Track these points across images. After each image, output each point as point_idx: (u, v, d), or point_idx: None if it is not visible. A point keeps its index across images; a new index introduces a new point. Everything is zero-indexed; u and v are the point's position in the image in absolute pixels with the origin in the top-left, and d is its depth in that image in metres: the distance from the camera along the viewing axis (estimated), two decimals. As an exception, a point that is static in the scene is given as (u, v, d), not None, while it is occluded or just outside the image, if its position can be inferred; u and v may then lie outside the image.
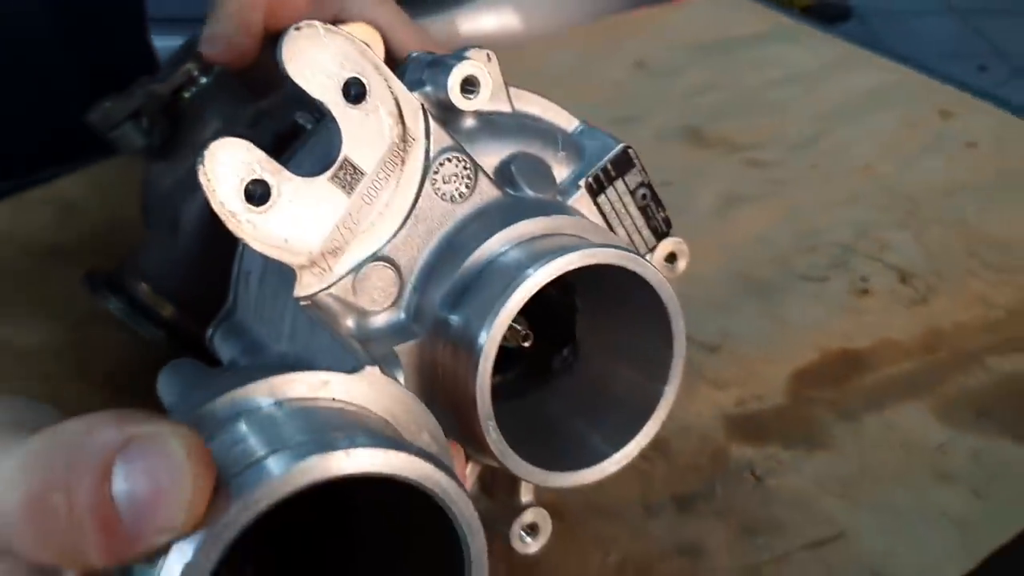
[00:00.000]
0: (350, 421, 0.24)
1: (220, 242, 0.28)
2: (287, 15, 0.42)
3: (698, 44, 0.74)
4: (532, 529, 0.34)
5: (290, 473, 0.21)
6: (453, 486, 0.23)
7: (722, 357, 0.46)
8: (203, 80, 0.38)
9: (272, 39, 0.41)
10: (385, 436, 0.24)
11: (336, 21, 0.43)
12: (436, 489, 0.23)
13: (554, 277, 0.28)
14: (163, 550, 0.20)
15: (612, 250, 0.29)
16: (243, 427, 0.23)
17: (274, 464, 0.21)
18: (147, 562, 0.21)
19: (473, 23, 1.54)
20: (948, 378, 0.45)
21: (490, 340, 0.27)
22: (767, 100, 0.67)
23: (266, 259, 0.28)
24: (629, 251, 0.29)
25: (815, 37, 0.75)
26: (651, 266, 0.30)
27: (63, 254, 0.52)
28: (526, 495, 0.34)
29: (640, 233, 0.35)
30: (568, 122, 0.36)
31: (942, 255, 0.53)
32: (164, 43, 0.77)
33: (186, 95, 0.39)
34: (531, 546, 0.34)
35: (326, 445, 0.22)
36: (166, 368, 0.33)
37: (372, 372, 0.26)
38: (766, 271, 0.52)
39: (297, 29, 0.27)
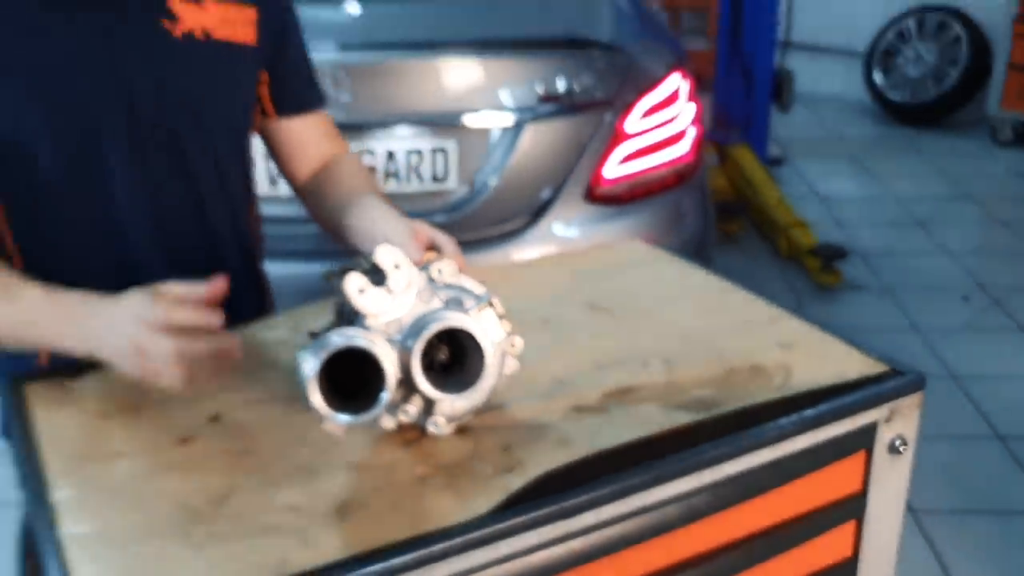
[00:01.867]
0: (360, 337, 0.84)
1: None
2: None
3: (605, 266, 1.34)
4: (435, 425, 0.91)
5: (332, 346, 0.82)
6: (383, 351, 0.84)
7: (569, 390, 1.02)
8: (365, 265, 0.93)
9: None
10: (368, 339, 0.84)
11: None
12: (373, 353, 0.84)
13: (440, 330, 0.86)
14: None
15: (461, 321, 0.87)
16: (331, 336, 0.83)
17: (331, 342, 0.82)
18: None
19: (520, 254, 2.23)
20: (667, 398, 1.00)
21: (416, 348, 0.86)
22: (631, 287, 1.26)
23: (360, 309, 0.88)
24: (471, 323, 0.87)
25: (672, 262, 1.34)
26: (477, 329, 0.87)
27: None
28: (439, 414, 0.91)
29: (501, 329, 0.93)
30: (481, 289, 0.94)
31: (691, 356, 1.09)
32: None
33: (356, 268, 0.97)
34: (439, 431, 0.91)
35: (347, 339, 0.82)
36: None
37: (377, 334, 0.86)
38: (605, 360, 1.08)
39: (382, 246, 0.88)
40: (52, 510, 0.84)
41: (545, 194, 2.27)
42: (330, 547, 0.79)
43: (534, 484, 0.86)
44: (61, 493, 0.87)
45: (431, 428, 0.91)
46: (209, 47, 1.17)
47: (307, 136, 1.33)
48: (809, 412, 0.98)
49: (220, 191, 1.25)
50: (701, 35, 5.64)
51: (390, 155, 2.17)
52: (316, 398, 0.81)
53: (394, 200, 2.19)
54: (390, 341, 0.88)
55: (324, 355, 0.81)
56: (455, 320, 0.87)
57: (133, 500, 0.86)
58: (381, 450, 0.92)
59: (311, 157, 1.34)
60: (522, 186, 2.25)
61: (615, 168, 2.31)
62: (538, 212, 2.28)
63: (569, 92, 2.26)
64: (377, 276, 0.90)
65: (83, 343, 0.99)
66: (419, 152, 2.19)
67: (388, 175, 2.17)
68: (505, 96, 2.23)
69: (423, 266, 0.93)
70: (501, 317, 0.93)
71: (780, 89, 4.35)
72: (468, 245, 1.12)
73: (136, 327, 0.94)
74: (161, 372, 0.94)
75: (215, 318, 0.95)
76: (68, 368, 1.05)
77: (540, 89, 2.24)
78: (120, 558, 0.79)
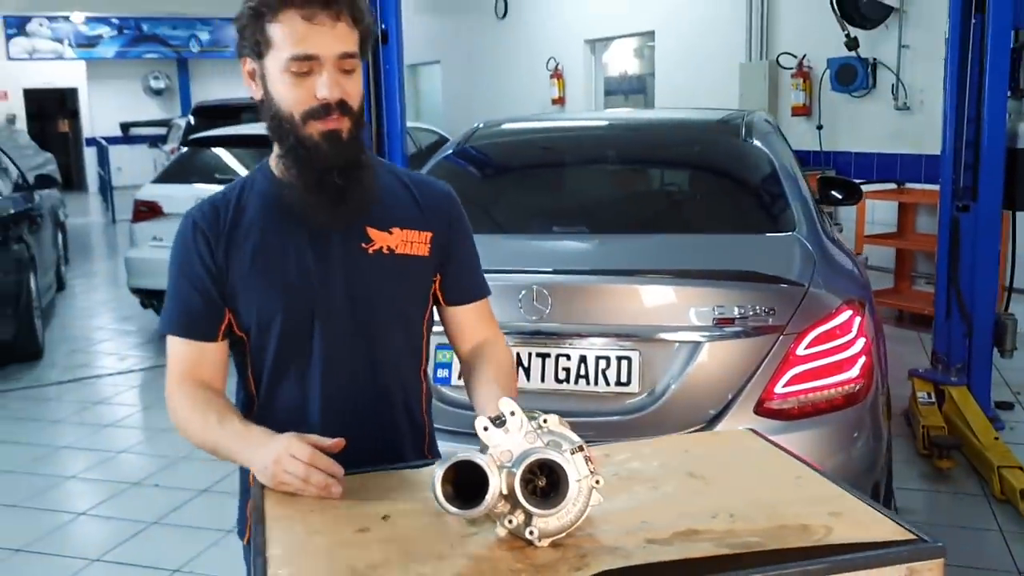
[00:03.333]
0: (476, 455, 1.21)
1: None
2: None
3: (714, 447, 1.64)
4: (532, 533, 1.24)
5: (454, 459, 1.21)
6: (490, 467, 1.21)
7: (647, 528, 1.32)
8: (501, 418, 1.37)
9: None
10: (481, 459, 1.21)
11: None
12: (481, 466, 1.21)
13: (537, 460, 1.22)
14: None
15: (552, 457, 1.22)
16: (457, 454, 1.22)
17: (454, 457, 1.22)
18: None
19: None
20: (722, 539, 1.28)
21: (520, 474, 1.21)
22: (727, 464, 1.55)
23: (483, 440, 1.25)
24: (561, 459, 1.22)
25: (769, 450, 1.62)
26: (566, 463, 1.22)
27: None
28: (538, 524, 1.24)
29: (587, 468, 1.27)
30: (575, 437, 1.29)
31: (754, 514, 1.36)
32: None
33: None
34: (537, 541, 1.24)
35: (466, 455, 1.21)
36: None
37: (491, 458, 1.22)
38: (686, 511, 1.38)
39: (503, 398, 1.27)
40: (267, 561, 1.25)
41: (718, 405, 2.57)
42: (439, 601, 1.14)
43: (594, 578, 1.18)
44: (274, 551, 1.27)
45: (529, 537, 1.25)
46: (391, 259, 1.66)
47: (468, 319, 1.79)
48: (830, 558, 1.23)
49: (393, 365, 1.74)
50: (931, 278, 5.76)
51: (582, 359, 2.58)
52: (438, 492, 1.18)
53: (581, 399, 2.61)
54: (501, 467, 1.24)
55: (448, 463, 1.19)
56: (549, 455, 1.23)
57: (320, 560, 1.25)
58: (493, 551, 1.27)
59: (470, 337, 1.80)
60: (697, 396, 2.57)
61: (785, 387, 2.58)
62: (711, 420, 2.57)
63: (746, 318, 2.59)
64: (500, 421, 1.27)
65: (246, 461, 1.52)
66: (607, 358, 2.58)
67: (579, 376, 2.57)
68: (688, 317, 2.60)
69: (534, 417, 1.29)
70: (588, 460, 1.27)
71: (1001, 334, 4.41)
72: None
73: (282, 455, 1.43)
74: (289, 487, 1.44)
75: (337, 468, 1.43)
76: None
77: (720, 313, 2.59)
78: (303, 591, 1.18)
